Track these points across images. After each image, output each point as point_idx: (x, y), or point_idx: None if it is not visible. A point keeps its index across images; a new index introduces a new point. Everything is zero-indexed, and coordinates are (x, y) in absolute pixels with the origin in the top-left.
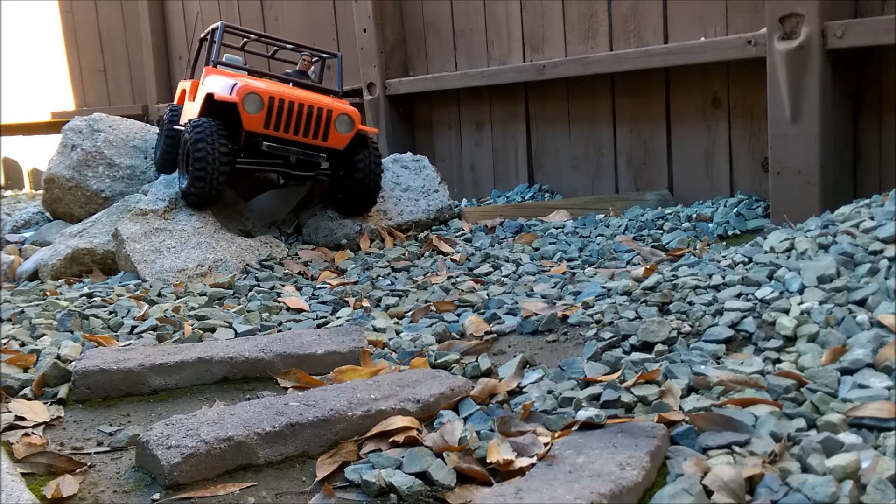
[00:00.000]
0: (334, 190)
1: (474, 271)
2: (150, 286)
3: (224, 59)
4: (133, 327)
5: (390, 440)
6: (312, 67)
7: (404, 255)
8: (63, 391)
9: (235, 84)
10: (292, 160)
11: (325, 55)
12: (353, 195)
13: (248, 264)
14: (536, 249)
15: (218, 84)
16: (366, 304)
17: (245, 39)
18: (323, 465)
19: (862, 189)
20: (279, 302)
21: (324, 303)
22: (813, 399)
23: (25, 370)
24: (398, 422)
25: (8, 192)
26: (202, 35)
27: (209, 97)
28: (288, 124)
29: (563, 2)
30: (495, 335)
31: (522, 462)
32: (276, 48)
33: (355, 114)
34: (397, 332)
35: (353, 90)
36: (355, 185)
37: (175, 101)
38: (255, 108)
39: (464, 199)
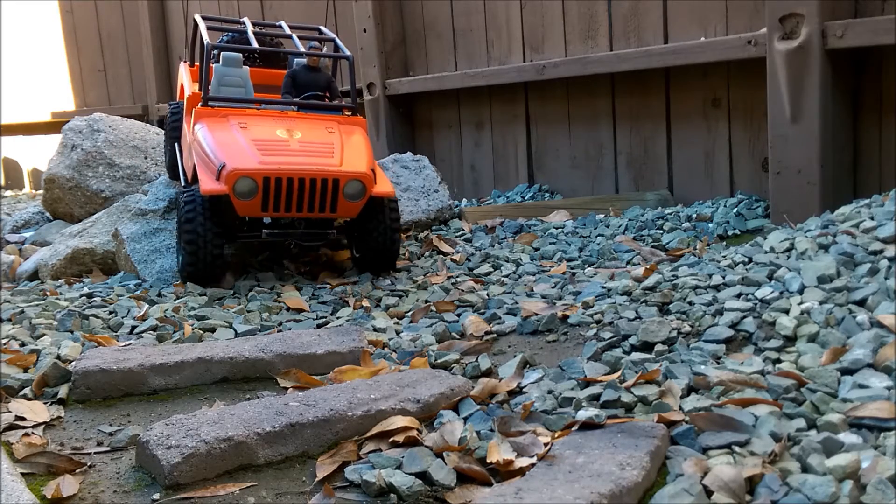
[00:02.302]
0: (351, 247)
1: (474, 271)
2: (150, 286)
3: (221, 59)
4: (133, 327)
5: (390, 440)
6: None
7: (404, 255)
8: (63, 391)
9: (223, 165)
10: (298, 244)
11: (334, 56)
12: (370, 259)
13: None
14: (536, 249)
15: (206, 152)
16: (366, 304)
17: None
18: (323, 465)
19: (862, 189)
20: (279, 302)
21: (324, 303)
22: (813, 399)
23: (25, 370)
24: (398, 422)
25: (8, 192)
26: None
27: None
28: (289, 202)
29: (563, 2)
30: (495, 335)
31: (522, 462)
32: (267, 44)
33: (366, 178)
34: (397, 332)
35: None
36: (370, 250)
37: (177, 95)
38: (249, 193)
39: (464, 199)
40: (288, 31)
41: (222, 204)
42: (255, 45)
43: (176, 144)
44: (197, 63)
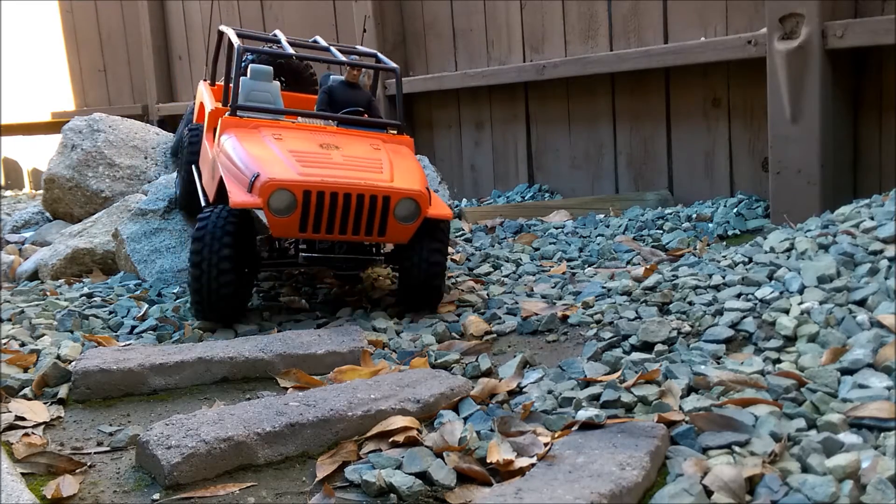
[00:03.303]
0: (397, 275)
1: (474, 271)
2: (150, 286)
3: (249, 72)
4: (133, 327)
5: (390, 440)
6: (364, 74)
7: None
8: (63, 391)
9: (257, 176)
10: (341, 268)
11: (378, 68)
12: (407, 294)
13: None
14: (536, 249)
15: (235, 163)
16: (366, 304)
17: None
18: (323, 465)
19: (862, 189)
20: (279, 302)
21: (324, 303)
22: (813, 399)
23: (25, 370)
24: (398, 422)
25: (8, 192)
26: (220, 30)
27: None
28: (332, 222)
29: (563, 2)
30: (495, 335)
31: (522, 462)
32: (304, 55)
33: (421, 197)
34: (397, 332)
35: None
36: (407, 284)
37: (195, 116)
38: (286, 209)
39: (464, 199)
40: (324, 43)
41: (246, 223)
42: (290, 51)
43: (193, 167)
44: (219, 83)
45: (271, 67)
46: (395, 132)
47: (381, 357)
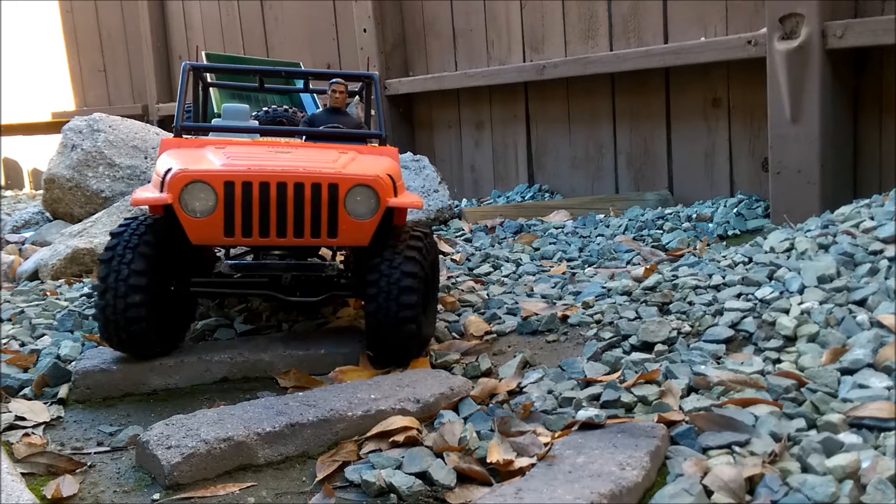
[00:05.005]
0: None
1: (474, 271)
2: None
3: (223, 113)
4: None
5: (390, 440)
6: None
7: None
8: (63, 391)
9: (169, 170)
10: (284, 280)
11: (354, 74)
12: (371, 335)
13: None
14: (536, 249)
15: (156, 170)
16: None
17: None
18: (323, 465)
19: (862, 189)
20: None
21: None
22: (813, 399)
23: (25, 370)
24: (398, 422)
25: (8, 192)
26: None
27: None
28: (265, 222)
29: (563, 2)
30: (495, 335)
31: (522, 462)
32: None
33: (377, 182)
34: None
35: (351, 92)
36: (368, 320)
37: None
38: (204, 207)
39: (464, 199)
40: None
41: (174, 236)
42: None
43: None
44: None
45: (246, 106)
46: (377, 143)
47: None
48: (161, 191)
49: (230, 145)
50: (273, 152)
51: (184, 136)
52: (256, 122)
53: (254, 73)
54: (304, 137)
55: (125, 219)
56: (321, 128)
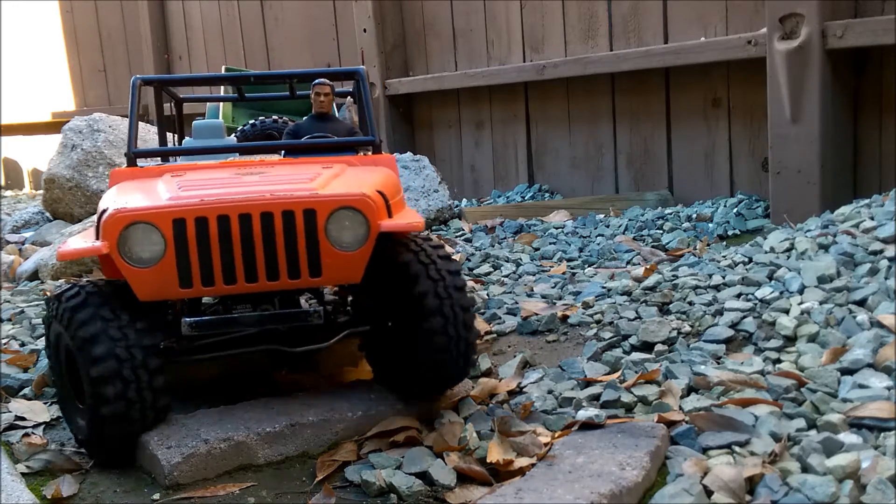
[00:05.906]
0: (371, 355)
1: (474, 271)
2: None
3: (193, 130)
4: None
5: (390, 440)
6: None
7: None
8: None
9: (104, 211)
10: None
11: (341, 71)
12: (429, 367)
13: None
14: (536, 249)
15: (99, 207)
16: None
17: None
18: (323, 465)
19: (862, 189)
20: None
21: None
22: (813, 399)
23: (25, 370)
24: (398, 422)
25: (8, 192)
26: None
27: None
28: (230, 267)
29: (563, 2)
30: (495, 335)
31: (522, 462)
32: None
33: (364, 203)
34: None
35: (345, 93)
36: (430, 355)
37: None
38: (150, 255)
39: (464, 199)
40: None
41: (122, 293)
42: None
43: None
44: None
45: (220, 121)
46: (370, 151)
47: None
48: (97, 238)
49: (192, 171)
50: (238, 175)
51: (138, 163)
52: (234, 139)
53: (219, 81)
54: (282, 153)
55: (71, 284)
56: (304, 139)
